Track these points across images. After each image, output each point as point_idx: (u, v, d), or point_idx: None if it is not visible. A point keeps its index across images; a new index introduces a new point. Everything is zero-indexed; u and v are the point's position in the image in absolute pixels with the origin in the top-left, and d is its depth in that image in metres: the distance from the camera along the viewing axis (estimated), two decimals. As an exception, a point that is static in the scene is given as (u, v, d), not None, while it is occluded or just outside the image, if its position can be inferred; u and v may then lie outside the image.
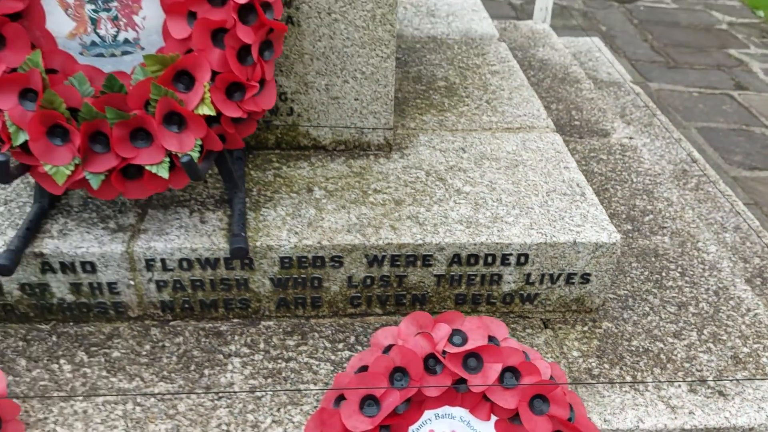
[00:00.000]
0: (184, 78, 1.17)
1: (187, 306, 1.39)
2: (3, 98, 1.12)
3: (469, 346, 1.17)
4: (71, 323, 1.38)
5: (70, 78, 1.16)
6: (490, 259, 1.37)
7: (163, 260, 1.32)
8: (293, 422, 1.23)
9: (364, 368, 1.22)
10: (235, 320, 1.42)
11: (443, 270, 1.39)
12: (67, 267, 1.31)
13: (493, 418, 1.17)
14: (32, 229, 1.30)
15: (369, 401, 1.17)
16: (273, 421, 1.23)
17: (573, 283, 1.42)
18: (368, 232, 1.36)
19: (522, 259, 1.38)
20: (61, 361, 1.30)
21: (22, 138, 1.14)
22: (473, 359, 1.17)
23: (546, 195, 1.50)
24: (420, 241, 1.35)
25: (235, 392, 1.26)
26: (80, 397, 1.24)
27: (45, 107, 1.13)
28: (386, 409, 1.14)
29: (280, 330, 1.41)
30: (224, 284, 1.37)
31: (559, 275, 1.41)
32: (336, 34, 1.47)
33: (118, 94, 1.15)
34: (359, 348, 1.39)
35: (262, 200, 1.44)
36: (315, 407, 1.25)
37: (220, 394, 1.26)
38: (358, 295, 1.41)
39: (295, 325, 1.43)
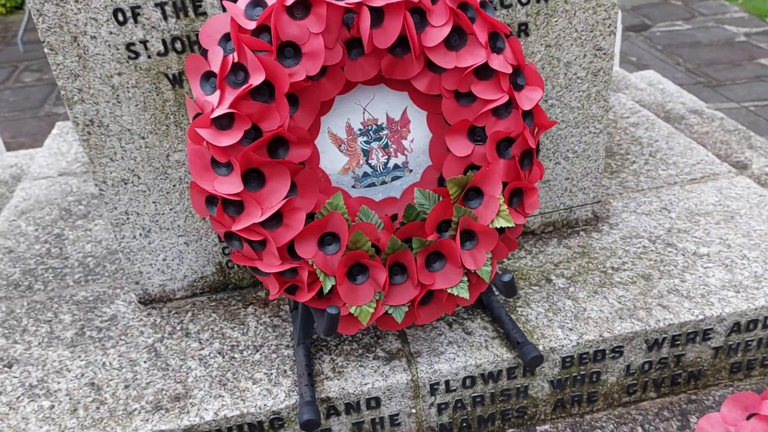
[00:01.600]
0: (471, 194, 1.13)
1: (464, 425, 1.31)
2: (304, 246, 1.07)
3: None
4: (347, 465, 1.30)
5: (359, 214, 1.11)
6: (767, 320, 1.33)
7: (447, 382, 1.25)
8: None
9: (708, 464, 1.14)
10: (511, 430, 1.35)
11: (722, 341, 1.33)
12: (351, 407, 1.23)
13: None
14: (311, 375, 1.23)
15: (728, 499, 1.10)
16: None
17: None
18: (641, 315, 1.31)
19: (800, 315, 1.33)
20: None
21: (329, 284, 1.08)
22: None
23: (786, 243, 1.47)
24: (700, 316, 1.30)
25: None
26: None
27: (351, 248, 1.08)
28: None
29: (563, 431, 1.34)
30: (504, 395, 1.30)
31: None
32: (552, 118, 1.45)
33: (416, 222, 1.11)
34: (651, 438, 1.32)
35: (510, 299, 1.39)
36: None
37: None
38: (635, 382, 1.35)
39: (572, 424, 1.36)
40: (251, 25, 1.00)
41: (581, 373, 1.31)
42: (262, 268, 1.08)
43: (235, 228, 1.05)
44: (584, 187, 1.55)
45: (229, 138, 1.00)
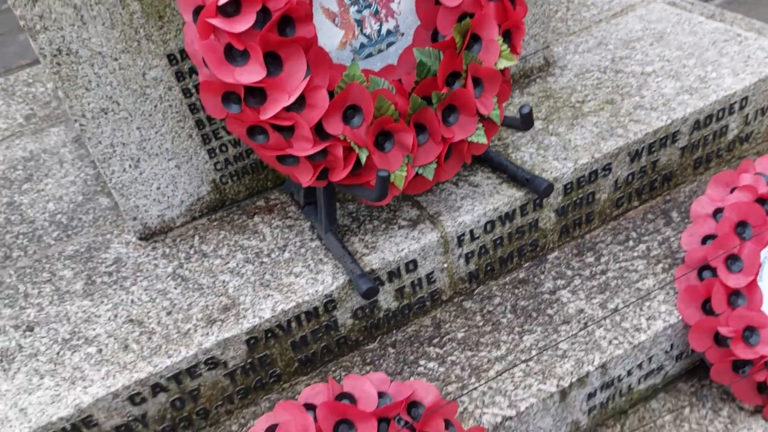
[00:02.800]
0: (470, 42, 1.17)
1: (489, 269, 1.41)
2: (332, 123, 1.08)
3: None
4: (394, 331, 1.37)
5: (368, 85, 1.12)
6: (720, 113, 1.50)
7: (471, 231, 1.33)
8: (659, 310, 1.31)
9: (710, 237, 1.32)
10: (527, 264, 1.47)
11: (686, 141, 1.50)
12: (393, 274, 1.29)
13: None
14: (352, 254, 1.26)
15: (731, 260, 1.28)
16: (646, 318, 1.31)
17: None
18: (620, 133, 1.44)
19: (743, 102, 1.52)
20: (421, 361, 1.29)
21: (364, 155, 1.10)
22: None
23: (713, 45, 1.64)
24: (668, 121, 1.45)
25: (606, 316, 1.32)
26: (482, 381, 1.24)
27: (378, 115, 1.10)
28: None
29: (569, 254, 1.47)
30: (519, 232, 1.40)
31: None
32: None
33: (429, 78, 1.14)
34: (646, 238, 1.48)
35: (500, 148, 1.47)
36: (667, 295, 1.34)
37: (586, 321, 1.31)
38: (621, 195, 1.49)
39: (576, 245, 1.49)
40: None
41: (579, 196, 1.43)
42: (296, 154, 1.08)
43: (264, 116, 1.04)
44: (535, 34, 1.64)
45: (244, 22, 0.97)
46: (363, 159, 1.10)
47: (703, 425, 1.35)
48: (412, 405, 1.11)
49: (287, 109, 1.05)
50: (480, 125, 1.20)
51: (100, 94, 1.21)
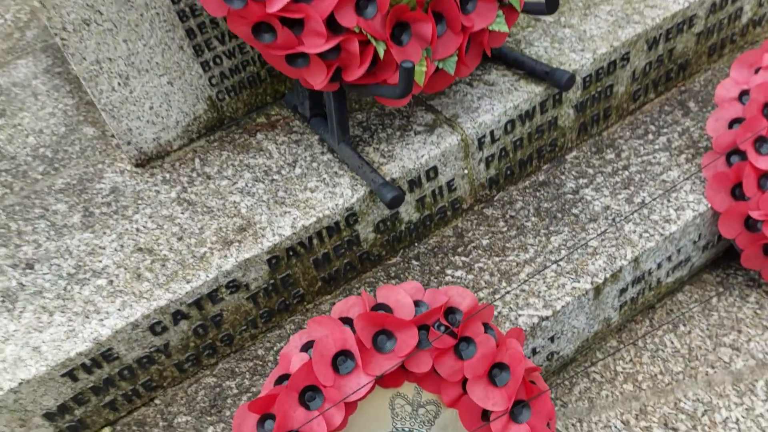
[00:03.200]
0: None
1: (509, 173, 1.35)
2: (345, 15, 0.98)
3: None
4: (416, 243, 1.31)
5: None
6: (737, -6, 1.44)
7: (491, 132, 1.26)
8: (687, 200, 1.27)
9: (736, 121, 1.27)
10: (545, 166, 1.41)
11: (702, 26, 1.43)
12: (414, 183, 1.22)
13: None
14: (370, 163, 1.18)
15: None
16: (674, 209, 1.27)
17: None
18: (637, 19, 1.37)
19: (760, -19, 1.45)
20: (447, 270, 1.24)
21: (381, 49, 1.01)
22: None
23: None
24: (686, 4, 1.37)
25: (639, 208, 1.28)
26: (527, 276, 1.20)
27: (393, 4, 1.00)
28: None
29: (588, 152, 1.42)
30: (538, 132, 1.34)
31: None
32: None
33: (445, -39, 1.04)
34: (665, 131, 1.43)
35: (512, 44, 1.38)
36: (693, 185, 1.30)
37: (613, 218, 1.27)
38: (639, 87, 1.43)
39: (594, 143, 1.44)
40: None
41: (598, 90, 1.37)
42: (308, 51, 0.98)
43: (271, 9, 0.93)
44: None
45: None
46: (381, 53, 1.01)
47: (732, 312, 1.34)
48: (448, 311, 1.07)
49: (296, 0, 0.95)
50: (500, 12, 1.11)
51: (80, 2, 1.09)
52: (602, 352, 1.33)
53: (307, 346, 1.00)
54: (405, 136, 1.25)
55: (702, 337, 1.31)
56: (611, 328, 1.32)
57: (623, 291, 1.26)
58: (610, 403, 1.25)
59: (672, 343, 1.32)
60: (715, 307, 1.35)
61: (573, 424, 1.23)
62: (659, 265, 1.28)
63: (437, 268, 1.27)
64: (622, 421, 1.22)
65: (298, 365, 0.94)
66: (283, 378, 0.97)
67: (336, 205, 1.16)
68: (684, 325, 1.34)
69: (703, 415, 1.20)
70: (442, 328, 1.02)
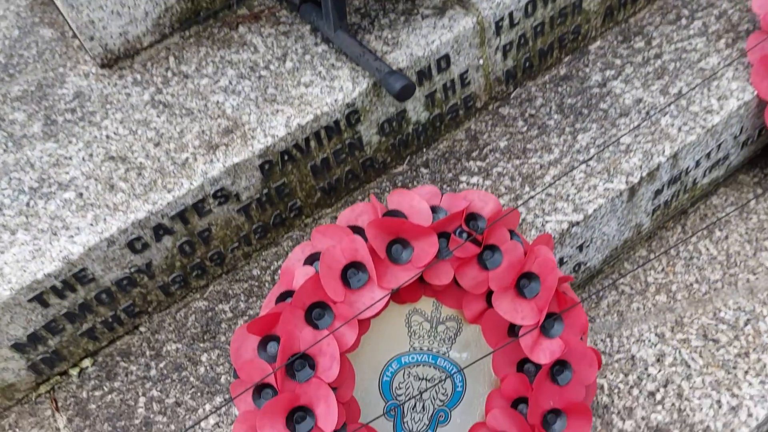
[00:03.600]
0: None
1: (527, 65, 1.19)
2: None
3: None
4: (424, 149, 1.17)
5: None
6: None
7: (510, 14, 1.10)
8: (730, 88, 1.13)
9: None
10: (567, 58, 1.25)
11: None
12: (423, 74, 1.06)
13: None
14: (373, 51, 1.03)
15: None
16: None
17: None
18: None
19: None
20: (462, 177, 1.11)
21: None
22: None
23: None
24: None
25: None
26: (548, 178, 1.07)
27: None
28: None
29: (614, 42, 1.26)
30: (561, 16, 1.17)
31: None
32: None
33: None
34: (699, 14, 1.27)
35: None
36: (736, 71, 1.15)
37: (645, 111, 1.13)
38: (671, -36, 1.27)
39: (620, 31, 1.28)
40: None
41: (627, -33, 1.20)
42: None
43: None
44: None
45: None
46: None
47: (773, 215, 1.22)
48: (469, 217, 0.94)
49: None
50: None
51: None
52: (630, 262, 1.22)
53: (311, 259, 0.86)
54: (411, 21, 1.09)
55: (741, 242, 1.20)
56: (642, 236, 1.20)
57: (658, 193, 1.13)
58: (642, 315, 1.15)
59: (708, 249, 1.20)
60: (754, 209, 1.23)
61: (602, 340, 1.13)
62: (697, 163, 1.15)
63: (450, 175, 1.13)
64: (657, 334, 1.12)
65: (302, 279, 0.82)
66: (285, 295, 0.84)
67: (335, 100, 1.00)
68: (720, 230, 1.22)
69: (746, 324, 1.10)
70: (464, 236, 0.89)
